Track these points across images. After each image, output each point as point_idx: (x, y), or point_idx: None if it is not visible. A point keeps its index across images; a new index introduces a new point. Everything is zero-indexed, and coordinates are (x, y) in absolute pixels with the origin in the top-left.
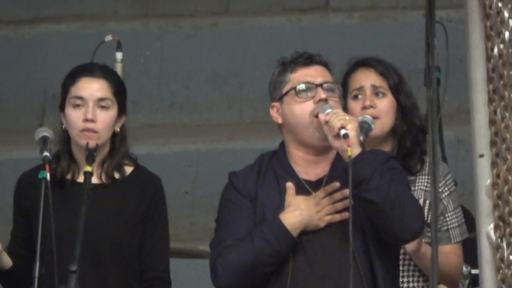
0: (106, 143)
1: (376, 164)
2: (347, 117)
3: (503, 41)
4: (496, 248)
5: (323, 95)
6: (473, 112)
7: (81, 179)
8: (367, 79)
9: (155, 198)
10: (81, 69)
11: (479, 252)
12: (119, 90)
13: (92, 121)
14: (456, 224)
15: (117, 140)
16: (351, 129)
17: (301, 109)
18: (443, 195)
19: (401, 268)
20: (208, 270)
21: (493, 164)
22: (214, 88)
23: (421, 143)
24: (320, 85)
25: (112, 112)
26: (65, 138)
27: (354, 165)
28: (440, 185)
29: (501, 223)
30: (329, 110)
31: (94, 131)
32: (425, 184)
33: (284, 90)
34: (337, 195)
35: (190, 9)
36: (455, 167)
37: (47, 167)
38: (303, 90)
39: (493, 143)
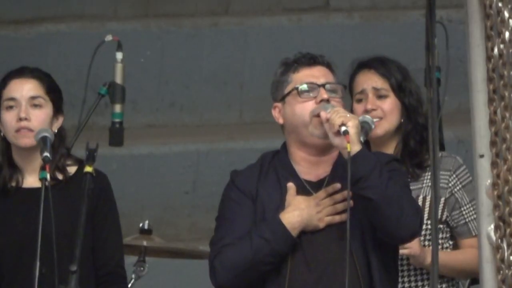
0: None
1: (375, 162)
2: (348, 115)
3: (503, 41)
4: (497, 248)
5: (325, 95)
6: (473, 112)
7: (26, 184)
8: (368, 81)
9: (102, 194)
10: (11, 72)
11: (479, 253)
12: (52, 89)
13: (26, 119)
14: (475, 216)
15: (56, 141)
16: (351, 126)
17: (302, 109)
18: (455, 189)
19: (400, 268)
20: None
21: (493, 164)
22: (214, 88)
23: (427, 140)
24: (323, 85)
25: (46, 110)
26: (5, 146)
27: (353, 162)
28: (450, 180)
29: (501, 224)
30: (330, 109)
31: (30, 130)
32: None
33: (286, 90)
34: (338, 196)
35: (190, 9)
36: None
37: (47, 167)
38: (305, 91)
39: (493, 143)
